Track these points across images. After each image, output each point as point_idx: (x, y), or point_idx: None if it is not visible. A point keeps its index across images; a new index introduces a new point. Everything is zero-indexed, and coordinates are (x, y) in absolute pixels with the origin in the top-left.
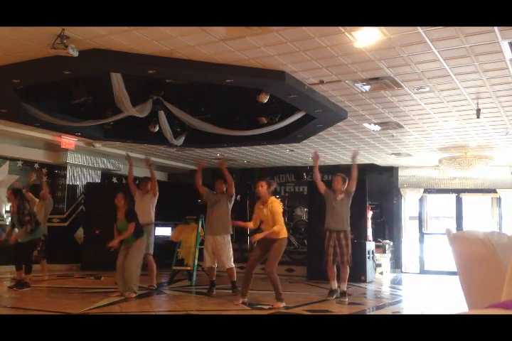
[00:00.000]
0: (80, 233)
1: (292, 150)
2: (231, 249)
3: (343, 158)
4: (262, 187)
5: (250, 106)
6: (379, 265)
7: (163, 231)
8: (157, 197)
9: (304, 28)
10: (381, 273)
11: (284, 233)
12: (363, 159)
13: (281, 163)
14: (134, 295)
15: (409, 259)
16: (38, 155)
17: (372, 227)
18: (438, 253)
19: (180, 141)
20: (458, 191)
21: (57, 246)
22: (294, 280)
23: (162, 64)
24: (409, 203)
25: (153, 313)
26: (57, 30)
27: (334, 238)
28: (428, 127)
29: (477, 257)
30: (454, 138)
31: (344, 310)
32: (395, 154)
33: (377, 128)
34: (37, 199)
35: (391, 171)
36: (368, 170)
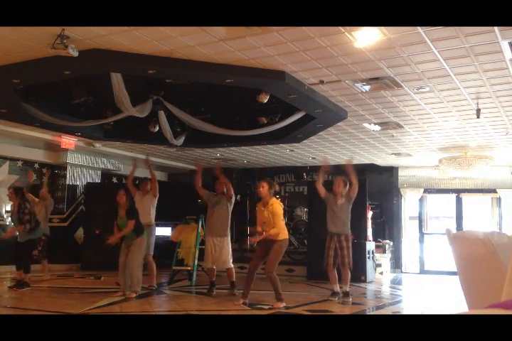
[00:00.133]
0: (80, 233)
1: (292, 150)
2: (230, 250)
3: (343, 158)
4: (263, 188)
5: (250, 106)
6: (379, 265)
7: (163, 231)
8: (157, 197)
9: (304, 28)
10: (381, 273)
11: (284, 234)
12: (363, 159)
13: (281, 163)
14: (134, 295)
15: (409, 259)
16: (38, 155)
17: (372, 227)
18: (438, 253)
19: (180, 141)
20: (458, 191)
21: (57, 246)
22: (294, 280)
23: (162, 64)
24: (409, 203)
25: (154, 313)
26: (57, 30)
27: (335, 240)
28: (428, 127)
29: (477, 257)
30: (454, 138)
31: (344, 310)
32: (395, 154)
33: (377, 128)
34: (37, 199)
35: (391, 171)
36: (368, 170)
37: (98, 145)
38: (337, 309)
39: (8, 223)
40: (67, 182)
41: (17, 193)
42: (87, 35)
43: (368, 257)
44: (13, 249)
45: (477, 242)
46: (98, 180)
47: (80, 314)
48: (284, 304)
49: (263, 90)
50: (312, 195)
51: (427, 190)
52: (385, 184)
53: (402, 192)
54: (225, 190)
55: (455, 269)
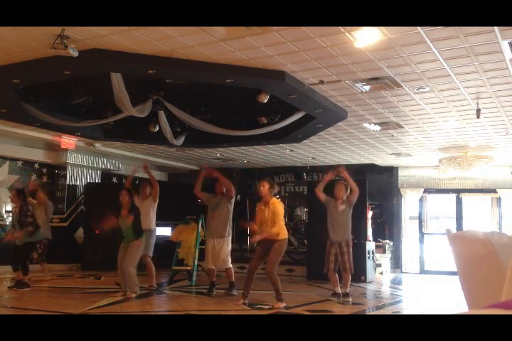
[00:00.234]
0: (80, 233)
1: (292, 150)
2: (229, 250)
3: (343, 158)
4: (264, 187)
5: (250, 106)
6: (379, 265)
7: (163, 231)
8: (157, 202)
9: (304, 28)
10: (381, 273)
11: (284, 234)
12: (363, 159)
13: (281, 163)
14: (134, 295)
15: (409, 259)
16: (38, 155)
17: (372, 227)
18: (438, 253)
19: (180, 141)
20: (458, 191)
21: (57, 246)
22: (294, 280)
23: (162, 64)
24: (409, 203)
25: (154, 313)
26: (57, 30)
27: (335, 246)
28: (428, 127)
29: (477, 257)
30: (454, 138)
31: (344, 310)
32: (395, 154)
33: (377, 128)
34: (35, 201)
35: (391, 171)
36: (368, 170)
37: (98, 145)
38: (337, 309)
39: (8, 223)
40: (67, 182)
41: (19, 195)
42: (87, 35)
43: (368, 257)
44: (12, 250)
45: (477, 242)
46: (98, 180)
47: (80, 314)
48: (284, 304)
49: (263, 90)
50: (312, 195)
51: (427, 190)
52: (385, 184)
53: (402, 192)
54: (224, 190)
55: (455, 269)
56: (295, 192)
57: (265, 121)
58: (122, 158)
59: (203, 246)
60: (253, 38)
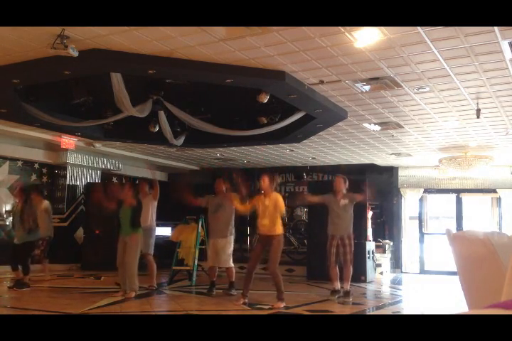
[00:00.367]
0: (80, 233)
1: (292, 150)
2: (231, 249)
3: (343, 158)
4: (265, 182)
5: (250, 106)
6: (379, 265)
7: (163, 231)
8: (157, 200)
9: (304, 28)
10: (381, 273)
11: (280, 229)
12: (363, 159)
13: (281, 163)
14: (134, 294)
15: (409, 259)
16: (38, 155)
17: (372, 227)
18: (438, 253)
19: (180, 141)
20: (458, 191)
21: (57, 246)
22: (294, 280)
23: (162, 64)
24: (409, 203)
25: (153, 313)
26: (57, 30)
27: (337, 238)
28: (428, 127)
29: (477, 257)
30: (454, 138)
31: (344, 310)
32: (395, 154)
33: (377, 128)
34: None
35: (391, 171)
36: (368, 170)
37: (98, 145)
38: (337, 309)
39: (8, 223)
40: (67, 182)
41: (23, 192)
42: (87, 35)
43: (368, 257)
44: (11, 249)
45: (477, 242)
46: (98, 180)
47: (80, 314)
48: (284, 304)
49: (263, 90)
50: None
51: (427, 190)
52: (385, 184)
53: (402, 192)
54: (225, 188)
55: (455, 269)
56: (295, 192)
57: (265, 121)
58: (122, 158)
59: (203, 246)
60: (253, 38)
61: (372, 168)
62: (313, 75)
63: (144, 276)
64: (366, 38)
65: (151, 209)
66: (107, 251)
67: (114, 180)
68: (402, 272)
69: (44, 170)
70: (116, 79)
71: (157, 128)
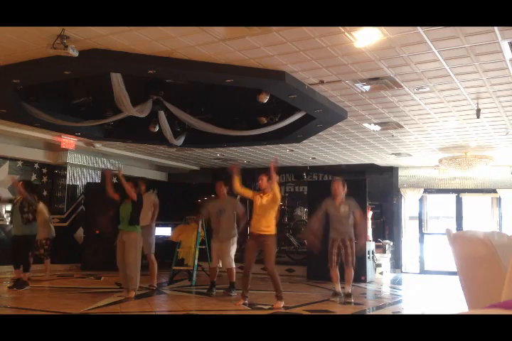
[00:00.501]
0: (80, 233)
1: (292, 150)
2: (234, 251)
3: (343, 158)
4: (262, 181)
5: (250, 106)
6: (379, 265)
7: (163, 231)
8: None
9: (304, 28)
10: (381, 273)
11: (273, 230)
12: (363, 159)
13: (281, 163)
14: (133, 293)
15: (409, 259)
16: (38, 155)
17: (372, 227)
18: (438, 253)
19: (180, 141)
20: (458, 191)
21: (58, 246)
22: (294, 281)
23: (162, 64)
24: (409, 203)
25: (153, 313)
26: (57, 30)
27: (338, 241)
28: (428, 127)
29: (477, 257)
30: (454, 138)
31: (344, 310)
32: (395, 154)
33: (377, 128)
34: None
35: (391, 171)
36: (368, 170)
37: (98, 145)
38: (337, 309)
39: (8, 223)
40: (67, 182)
41: (26, 186)
42: (87, 35)
43: (368, 257)
44: (11, 247)
45: (477, 242)
46: (98, 180)
47: (80, 314)
48: (283, 303)
49: (263, 90)
50: (312, 195)
51: (427, 190)
52: (385, 184)
53: (402, 192)
54: (225, 191)
55: (455, 269)
56: (295, 192)
57: (265, 121)
58: (122, 158)
59: (203, 246)
60: (253, 38)
61: (372, 168)
62: (313, 75)
63: (144, 276)
64: (366, 38)
65: (149, 210)
66: (107, 251)
67: (114, 180)
68: (402, 272)
69: (44, 170)
70: (116, 79)
71: (157, 128)
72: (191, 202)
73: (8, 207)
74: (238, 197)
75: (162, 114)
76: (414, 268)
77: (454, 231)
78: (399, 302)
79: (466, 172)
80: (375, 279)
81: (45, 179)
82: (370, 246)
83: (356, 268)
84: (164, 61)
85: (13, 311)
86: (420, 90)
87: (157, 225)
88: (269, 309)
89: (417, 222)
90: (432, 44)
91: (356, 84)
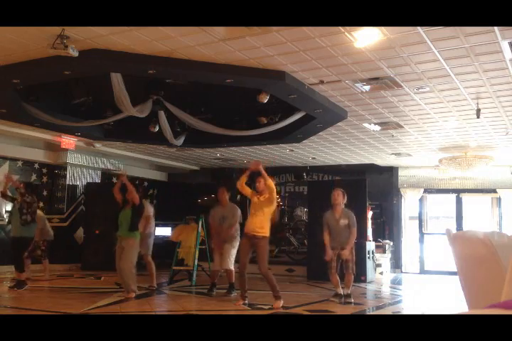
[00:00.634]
0: (80, 233)
1: (292, 150)
2: (234, 252)
3: (343, 158)
4: (260, 183)
5: (250, 106)
6: (379, 265)
7: (163, 231)
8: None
9: (304, 28)
10: (381, 273)
11: (267, 232)
12: (363, 159)
13: (281, 163)
14: (133, 294)
15: (409, 259)
16: (38, 155)
17: (372, 227)
18: (438, 253)
19: (180, 141)
20: (458, 191)
21: (58, 246)
22: (294, 281)
23: (162, 64)
24: (409, 203)
25: (153, 313)
26: (57, 30)
27: (338, 249)
28: (428, 127)
29: (477, 257)
30: (454, 138)
31: (344, 310)
32: (395, 154)
33: (377, 128)
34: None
35: (391, 171)
36: (368, 170)
37: (98, 145)
38: (337, 309)
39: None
40: (67, 182)
41: (27, 188)
42: (87, 35)
43: (368, 257)
44: (11, 246)
45: (477, 242)
46: (98, 180)
47: (80, 314)
48: (282, 302)
49: (263, 90)
50: (312, 195)
51: (427, 190)
52: (385, 184)
53: (402, 192)
54: (227, 197)
55: (455, 269)
56: (295, 192)
57: (265, 121)
58: (122, 158)
59: (203, 246)
60: (253, 38)
61: (372, 168)
62: (313, 75)
63: (144, 276)
64: (366, 38)
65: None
66: (107, 251)
67: (114, 180)
68: (402, 272)
69: (44, 170)
70: (116, 79)
71: (157, 128)
72: (191, 202)
73: (8, 207)
74: (238, 197)
75: (162, 114)
76: (414, 268)
77: (454, 231)
78: (399, 302)
79: (466, 172)
80: (375, 279)
81: (45, 179)
82: (370, 246)
83: (356, 268)
84: (164, 61)
85: (13, 311)
86: (420, 90)
87: (157, 225)
88: (269, 309)
89: (417, 221)
90: (431, 44)
91: (356, 84)
